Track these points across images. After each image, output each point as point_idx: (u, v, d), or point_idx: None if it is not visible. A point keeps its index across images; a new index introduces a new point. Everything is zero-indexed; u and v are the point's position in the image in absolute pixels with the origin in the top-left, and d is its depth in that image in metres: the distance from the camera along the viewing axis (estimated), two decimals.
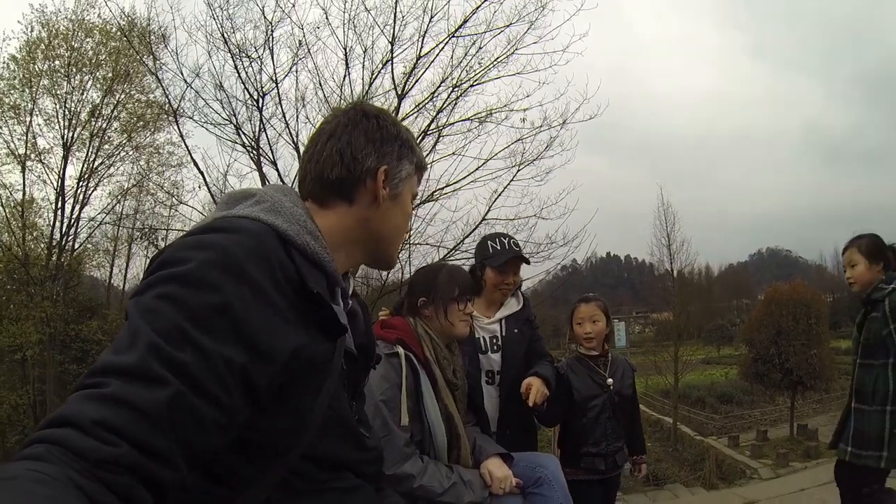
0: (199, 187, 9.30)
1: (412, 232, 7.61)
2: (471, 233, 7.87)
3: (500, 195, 7.97)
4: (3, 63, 13.51)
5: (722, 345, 37.29)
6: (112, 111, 14.47)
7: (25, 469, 0.55)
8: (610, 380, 2.49)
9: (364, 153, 0.96)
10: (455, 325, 1.79)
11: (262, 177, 7.94)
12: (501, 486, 1.69)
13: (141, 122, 14.53)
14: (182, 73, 7.84)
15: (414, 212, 1.08)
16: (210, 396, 0.68)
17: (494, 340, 2.35)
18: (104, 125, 14.50)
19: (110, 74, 13.98)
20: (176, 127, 8.84)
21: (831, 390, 21.92)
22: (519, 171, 7.94)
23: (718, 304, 44.77)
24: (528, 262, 2.78)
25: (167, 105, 8.80)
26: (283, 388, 0.79)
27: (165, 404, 0.64)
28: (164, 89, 8.57)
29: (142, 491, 0.61)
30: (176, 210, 12.31)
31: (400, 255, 1.53)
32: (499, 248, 2.35)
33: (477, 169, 7.98)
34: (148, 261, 0.83)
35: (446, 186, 8.00)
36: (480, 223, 7.91)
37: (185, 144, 8.81)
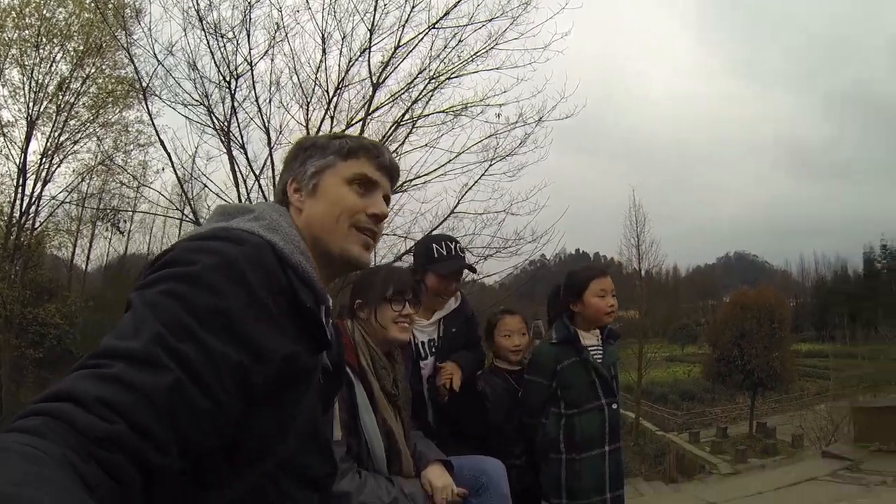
0: (164, 168, 9.04)
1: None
2: (439, 225, 7.81)
3: (470, 189, 7.93)
4: None
5: (686, 343, 37.85)
6: (81, 85, 13.87)
7: (18, 442, 0.54)
8: None
9: (282, 179, 1.08)
10: (388, 328, 1.66)
11: (232, 160, 7.69)
12: (443, 495, 1.62)
13: (110, 99, 14.01)
14: (154, 50, 7.53)
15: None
16: (207, 389, 0.71)
17: (433, 343, 2.21)
18: (72, 99, 13.91)
19: (81, 47, 13.37)
20: (145, 105, 8.54)
21: (791, 391, 22.73)
22: (491, 165, 7.90)
23: (685, 304, 45.66)
24: (474, 272, 2.69)
25: (137, 82, 8.46)
26: (272, 393, 0.82)
27: (166, 390, 0.66)
28: (134, 65, 8.22)
29: (133, 471, 0.61)
30: (140, 193, 11.95)
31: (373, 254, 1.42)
32: (444, 253, 2.16)
33: (448, 162, 7.90)
34: (151, 259, 0.88)
35: (416, 178, 7.92)
36: (449, 216, 7.89)
37: (153, 123, 8.53)
